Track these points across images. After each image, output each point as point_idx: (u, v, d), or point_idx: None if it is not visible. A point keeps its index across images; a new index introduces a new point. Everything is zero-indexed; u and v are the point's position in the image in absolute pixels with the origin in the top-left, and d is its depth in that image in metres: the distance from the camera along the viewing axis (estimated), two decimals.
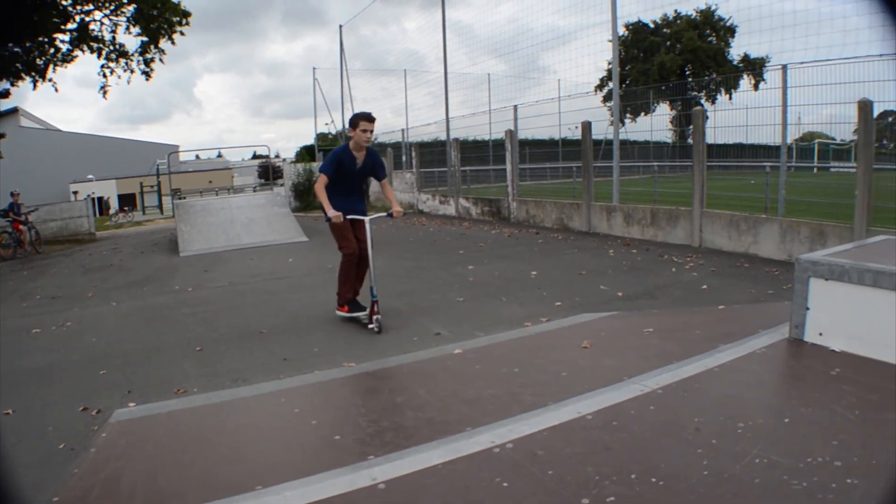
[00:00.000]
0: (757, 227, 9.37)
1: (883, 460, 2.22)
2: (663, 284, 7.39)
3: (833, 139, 17.26)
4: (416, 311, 6.61)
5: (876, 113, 9.97)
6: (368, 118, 6.14)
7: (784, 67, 10.77)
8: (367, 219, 6.22)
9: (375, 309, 5.89)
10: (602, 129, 14.40)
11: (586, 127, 12.69)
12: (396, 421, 3.01)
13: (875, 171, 9.59)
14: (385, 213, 6.33)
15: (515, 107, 15.61)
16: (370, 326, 5.90)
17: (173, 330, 6.50)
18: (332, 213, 5.86)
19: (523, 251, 10.49)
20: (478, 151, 18.80)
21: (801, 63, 11.24)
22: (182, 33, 19.05)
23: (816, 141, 17.99)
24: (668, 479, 2.16)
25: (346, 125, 6.12)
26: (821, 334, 3.47)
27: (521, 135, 15.82)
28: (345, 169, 6.18)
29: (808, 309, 3.51)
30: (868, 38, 10.26)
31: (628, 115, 23.99)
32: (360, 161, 6.25)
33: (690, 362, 3.24)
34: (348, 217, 6.07)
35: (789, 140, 16.38)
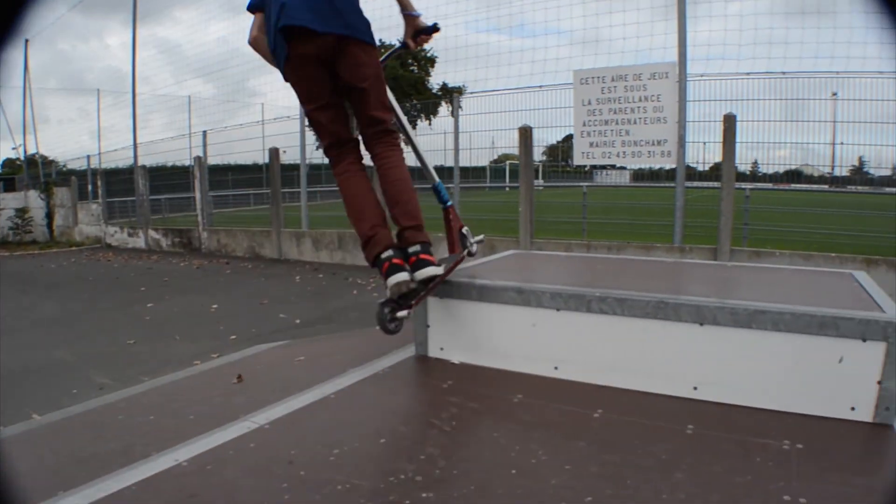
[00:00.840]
0: (437, 244, 9.96)
1: (462, 469, 2.36)
2: (342, 307, 7.56)
3: None
4: (83, 360, 6.10)
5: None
6: None
7: (454, 98, 11.60)
8: None
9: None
10: (308, 154, 14.47)
11: (274, 153, 12.71)
12: None
13: (554, 188, 10.69)
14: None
15: (205, 132, 15.21)
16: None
17: None
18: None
19: (209, 283, 10.18)
20: (176, 178, 18.00)
21: (472, 93, 12.25)
22: None
23: (508, 162, 19.52)
24: None
25: None
26: (442, 349, 3.71)
27: (229, 159, 15.48)
28: None
29: (428, 326, 3.74)
30: (543, 69, 11.53)
31: None
32: None
33: (311, 391, 3.28)
34: None
35: (486, 162, 17.72)
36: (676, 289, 3.63)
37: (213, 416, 3.25)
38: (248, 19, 3.43)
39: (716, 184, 10.56)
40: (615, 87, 10.34)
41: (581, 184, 13.15)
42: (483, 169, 18.39)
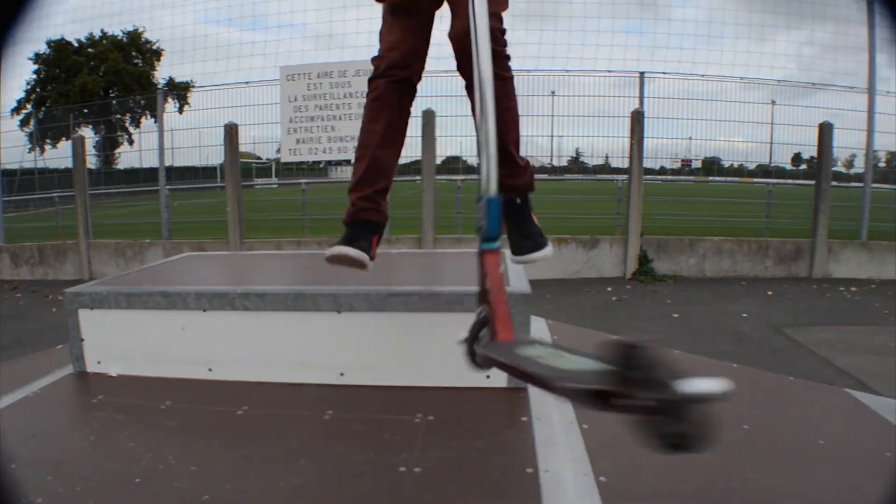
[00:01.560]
0: (143, 252, 9.74)
1: (87, 485, 2.31)
2: (37, 329, 7.17)
3: (259, 158, 18.63)
4: None
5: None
6: None
7: (161, 93, 11.35)
8: None
9: None
10: (17, 157, 13.42)
11: None
12: None
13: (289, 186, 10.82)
14: None
15: None
16: None
17: None
18: None
19: None
20: None
21: (199, 87, 12.10)
22: None
23: (241, 161, 19.13)
24: None
25: None
26: (99, 362, 3.60)
27: None
28: None
29: (82, 340, 3.62)
30: (276, 62, 11.64)
31: (49, 140, 22.59)
32: None
33: None
34: None
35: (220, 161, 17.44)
36: (326, 279, 3.50)
37: None
38: None
39: (418, 177, 11.21)
40: (321, 83, 10.55)
41: (300, 181, 13.34)
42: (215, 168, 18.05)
